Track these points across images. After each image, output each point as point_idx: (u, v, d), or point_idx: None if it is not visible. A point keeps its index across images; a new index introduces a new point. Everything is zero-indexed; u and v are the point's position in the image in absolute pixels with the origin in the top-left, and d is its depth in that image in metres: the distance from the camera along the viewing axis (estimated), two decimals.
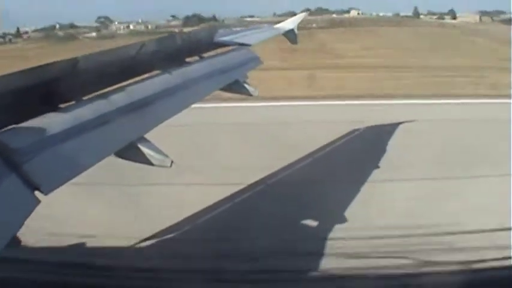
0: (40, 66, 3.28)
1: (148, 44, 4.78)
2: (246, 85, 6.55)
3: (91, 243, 8.08)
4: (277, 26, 10.73)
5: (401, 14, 58.21)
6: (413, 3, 60.55)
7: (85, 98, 3.85)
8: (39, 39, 50.88)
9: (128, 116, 3.98)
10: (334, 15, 58.63)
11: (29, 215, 2.69)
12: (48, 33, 53.03)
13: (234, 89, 6.44)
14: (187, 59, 5.88)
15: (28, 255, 6.57)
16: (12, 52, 39.18)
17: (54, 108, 3.47)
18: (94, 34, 52.97)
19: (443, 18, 57.19)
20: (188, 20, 55.61)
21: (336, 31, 48.80)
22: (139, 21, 55.68)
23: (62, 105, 3.58)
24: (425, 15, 58.41)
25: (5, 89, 3.05)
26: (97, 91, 4.02)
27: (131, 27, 55.30)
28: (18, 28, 52.67)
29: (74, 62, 3.58)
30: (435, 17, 58.03)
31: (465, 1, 55.68)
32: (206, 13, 55.90)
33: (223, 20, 53.92)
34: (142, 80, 4.70)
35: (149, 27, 54.93)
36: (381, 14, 58.30)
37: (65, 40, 48.64)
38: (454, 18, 55.54)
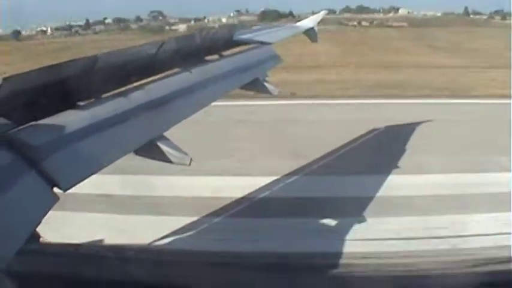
0: (59, 64, 3.29)
1: (168, 42, 4.78)
2: (266, 83, 6.52)
3: None
4: (298, 24, 10.69)
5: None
6: (451, 1, 57.97)
7: (104, 96, 3.86)
8: (112, 31, 52.16)
9: (147, 114, 3.98)
10: (380, 14, 57.19)
11: (48, 211, 2.70)
12: (126, 24, 53.92)
13: (254, 88, 6.42)
14: (207, 58, 5.88)
15: None
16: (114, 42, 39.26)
17: (73, 105, 3.48)
18: (183, 26, 52.95)
19: (493, 18, 55.47)
20: (265, 15, 55.22)
21: (444, 31, 46.22)
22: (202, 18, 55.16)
23: (80, 103, 3.59)
24: (473, 14, 56.69)
25: (25, 86, 3.07)
26: (116, 89, 4.03)
27: (224, 20, 54.99)
28: (87, 20, 54.41)
29: (93, 59, 3.58)
30: (485, 17, 56.16)
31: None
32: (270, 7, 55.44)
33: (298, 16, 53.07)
34: (162, 78, 4.70)
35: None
36: (430, 13, 56.79)
37: (154, 32, 48.99)
38: (504, 18, 52.86)
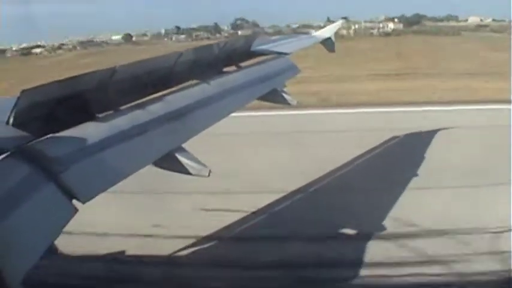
0: (78, 76, 3.29)
1: (186, 53, 4.77)
2: (284, 94, 6.48)
3: None
4: (315, 34, 10.68)
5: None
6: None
7: (123, 107, 3.85)
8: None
9: (166, 126, 3.96)
10: (443, 23, 53.99)
11: (67, 223, 2.68)
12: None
13: (272, 99, 6.38)
14: (225, 69, 5.86)
15: None
16: None
17: (92, 117, 3.47)
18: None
19: None
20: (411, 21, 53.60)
21: None
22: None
23: (99, 115, 3.57)
24: None
25: (44, 98, 3.06)
26: (135, 101, 4.02)
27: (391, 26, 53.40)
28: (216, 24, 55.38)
29: (111, 71, 3.57)
30: None
31: None
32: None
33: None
34: (180, 89, 4.69)
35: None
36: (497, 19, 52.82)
37: None
38: None
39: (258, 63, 6.73)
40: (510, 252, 7.44)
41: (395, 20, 53.58)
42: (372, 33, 52.20)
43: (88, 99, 3.45)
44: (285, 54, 7.40)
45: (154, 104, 4.11)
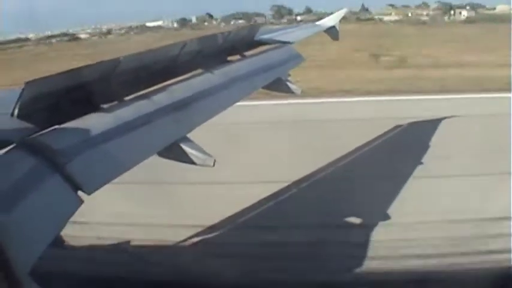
0: (82, 67, 3.29)
1: (190, 43, 4.75)
2: (288, 83, 6.46)
3: None
4: (319, 23, 10.61)
5: None
6: None
7: (127, 98, 3.84)
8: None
9: (171, 116, 3.96)
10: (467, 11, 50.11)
11: (72, 214, 2.70)
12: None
13: (276, 88, 6.36)
14: (229, 58, 5.84)
15: None
16: None
17: (96, 108, 3.47)
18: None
19: None
20: None
21: None
22: None
23: (104, 106, 3.57)
24: None
25: (48, 90, 3.06)
26: (139, 91, 4.02)
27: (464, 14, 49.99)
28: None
29: (116, 62, 3.57)
30: None
31: None
32: None
33: None
34: (185, 79, 4.68)
35: None
36: None
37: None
38: None
39: (262, 52, 6.70)
40: None
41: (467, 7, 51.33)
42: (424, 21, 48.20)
43: (92, 90, 3.45)
44: (289, 43, 7.37)
45: (158, 94, 4.11)
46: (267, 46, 6.98)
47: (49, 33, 47.34)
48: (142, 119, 3.64)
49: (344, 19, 11.23)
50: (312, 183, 10.47)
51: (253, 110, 14.05)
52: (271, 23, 46.00)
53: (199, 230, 8.40)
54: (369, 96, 18.51)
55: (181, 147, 3.78)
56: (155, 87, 4.24)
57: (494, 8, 52.62)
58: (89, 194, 2.83)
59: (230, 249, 8.06)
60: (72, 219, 2.69)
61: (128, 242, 8.09)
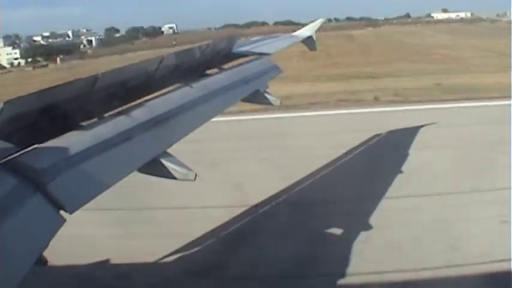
0: (60, 85, 3.28)
1: (168, 57, 4.76)
2: (267, 95, 6.50)
3: None
4: (295, 33, 10.69)
5: None
6: None
7: (106, 114, 3.84)
8: None
9: (150, 132, 3.96)
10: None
11: (55, 234, 2.68)
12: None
13: (255, 99, 6.39)
14: (208, 71, 5.86)
15: None
16: None
17: (76, 126, 3.46)
18: None
19: None
20: None
21: None
22: None
23: (83, 123, 3.56)
24: None
25: (27, 109, 3.05)
26: (119, 107, 4.01)
27: None
28: None
29: (93, 79, 3.57)
30: None
31: None
32: None
33: None
34: (164, 94, 4.69)
35: None
36: None
37: None
38: None
39: (240, 64, 6.73)
40: None
41: None
42: None
43: (71, 108, 3.44)
44: (267, 54, 7.42)
45: (137, 110, 4.10)
46: (245, 58, 7.02)
47: None
48: (122, 135, 3.64)
49: None
50: None
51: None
52: None
53: None
54: None
55: (161, 163, 3.78)
56: (134, 102, 4.24)
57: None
58: (70, 213, 2.82)
59: None
60: None
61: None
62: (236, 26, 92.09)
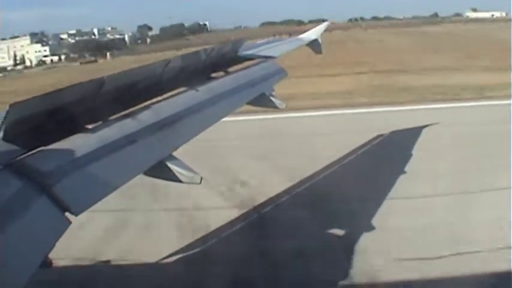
0: (66, 88, 3.29)
1: (174, 61, 4.77)
2: (272, 98, 6.50)
3: None
4: (301, 36, 10.70)
5: None
6: None
7: (112, 117, 3.85)
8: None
9: (156, 135, 3.96)
10: None
11: (61, 236, 2.69)
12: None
13: (260, 103, 6.40)
14: (213, 74, 5.87)
15: None
16: None
17: (81, 129, 3.47)
18: None
19: None
20: None
21: None
22: None
23: (89, 126, 3.58)
24: None
25: (32, 111, 3.06)
26: (124, 110, 4.02)
27: None
28: None
29: (100, 82, 3.58)
30: None
31: None
32: None
33: None
34: (169, 97, 4.70)
35: None
36: None
37: None
38: None
39: (246, 67, 6.75)
40: None
41: None
42: None
43: (77, 110, 3.46)
44: (272, 57, 7.43)
45: (143, 113, 4.11)
46: (250, 61, 7.03)
47: None
48: (127, 138, 3.64)
49: None
50: None
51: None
52: None
53: None
54: None
55: (167, 166, 3.79)
56: (140, 106, 4.26)
57: None
58: (76, 215, 2.82)
59: None
60: None
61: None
62: (273, 23, 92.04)
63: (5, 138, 2.94)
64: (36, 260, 2.49)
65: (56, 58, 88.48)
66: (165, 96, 4.65)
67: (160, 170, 3.77)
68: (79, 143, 3.27)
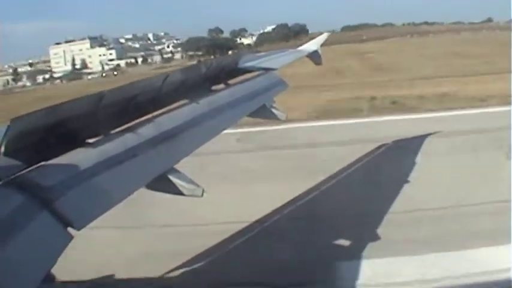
0: (66, 102, 3.29)
1: (174, 74, 4.79)
2: (273, 109, 6.51)
3: None
4: (301, 48, 10.74)
5: None
6: None
7: (113, 132, 3.85)
8: None
9: (157, 148, 3.96)
10: None
11: (63, 250, 2.68)
12: None
13: (261, 114, 6.40)
14: (214, 87, 5.88)
15: None
16: None
17: (82, 143, 3.47)
18: None
19: None
20: None
21: None
22: None
23: (89, 141, 3.57)
24: None
25: (33, 126, 3.06)
26: (125, 124, 4.02)
27: None
28: None
29: (99, 96, 3.58)
30: None
31: None
32: None
33: None
34: (170, 110, 4.70)
35: None
36: None
37: None
38: None
39: (246, 80, 6.76)
40: None
41: None
42: None
43: (77, 125, 3.46)
44: (272, 69, 7.45)
45: (144, 127, 4.11)
46: (251, 73, 7.04)
47: None
48: (128, 152, 3.64)
49: None
50: None
51: None
52: None
53: None
54: None
55: (169, 179, 3.78)
56: (140, 119, 4.25)
57: None
58: (78, 229, 2.81)
59: None
60: None
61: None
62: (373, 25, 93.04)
63: (6, 153, 2.93)
64: (38, 275, 2.48)
65: (122, 62, 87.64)
66: (166, 109, 4.65)
67: (163, 183, 3.77)
68: (80, 158, 3.27)
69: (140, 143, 3.83)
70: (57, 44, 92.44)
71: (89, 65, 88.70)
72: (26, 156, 3.01)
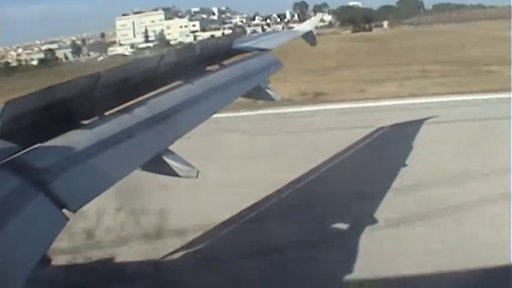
0: (62, 84, 3.28)
1: (168, 55, 4.76)
2: (268, 90, 6.49)
3: None
4: (295, 28, 10.72)
5: None
6: None
7: (108, 113, 3.84)
8: None
9: (152, 129, 3.95)
10: None
11: (59, 232, 2.68)
12: None
13: (256, 95, 6.39)
14: (208, 68, 5.86)
15: None
16: None
17: (77, 125, 3.46)
18: None
19: None
20: None
21: None
22: None
23: (84, 122, 3.56)
24: None
25: (28, 108, 3.05)
26: (120, 105, 4.01)
27: None
28: None
29: (95, 77, 3.57)
30: None
31: None
32: None
33: None
34: (165, 91, 4.68)
35: None
36: None
37: None
38: None
39: (241, 60, 6.73)
40: None
41: None
42: None
43: (72, 106, 3.44)
44: (267, 50, 7.42)
45: (139, 108, 4.10)
46: (245, 54, 7.01)
47: None
48: (123, 133, 3.63)
49: None
50: None
51: None
52: None
53: None
54: None
55: (164, 160, 3.78)
56: (135, 100, 4.24)
57: None
58: (74, 211, 2.82)
59: None
60: None
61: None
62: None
63: (1, 136, 2.93)
64: (34, 257, 2.49)
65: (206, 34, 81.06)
66: (160, 90, 4.63)
67: (157, 165, 3.77)
68: (75, 139, 3.26)
69: (135, 124, 3.82)
70: (124, 15, 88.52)
71: (167, 37, 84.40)
72: (21, 138, 3.00)
